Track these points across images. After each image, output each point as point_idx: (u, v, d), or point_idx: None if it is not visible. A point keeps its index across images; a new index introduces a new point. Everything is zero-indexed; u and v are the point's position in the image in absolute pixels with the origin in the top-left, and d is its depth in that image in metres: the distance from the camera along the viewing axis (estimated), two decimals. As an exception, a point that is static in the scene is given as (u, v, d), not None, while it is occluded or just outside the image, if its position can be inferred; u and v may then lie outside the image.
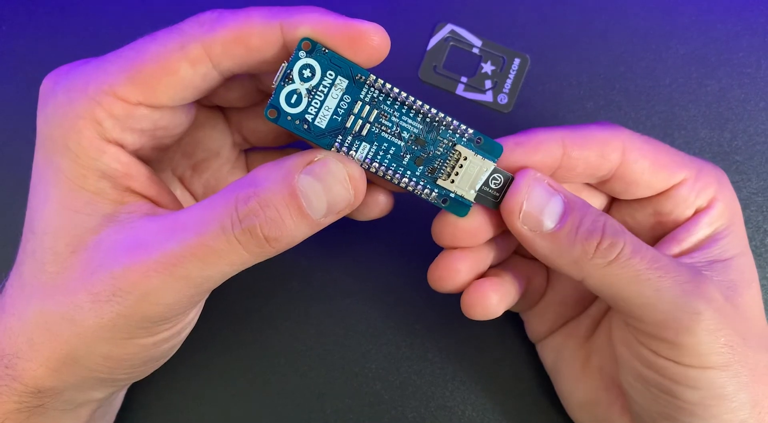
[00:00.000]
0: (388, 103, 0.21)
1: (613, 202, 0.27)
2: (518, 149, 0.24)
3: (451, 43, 0.33)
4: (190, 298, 0.22)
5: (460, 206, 0.23)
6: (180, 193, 0.28)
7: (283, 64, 0.21)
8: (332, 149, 0.21)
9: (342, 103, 0.21)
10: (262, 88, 0.25)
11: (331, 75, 0.21)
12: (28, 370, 0.22)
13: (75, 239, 0.22)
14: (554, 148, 0.24)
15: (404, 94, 0.21)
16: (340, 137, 0.21)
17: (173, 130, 0.24)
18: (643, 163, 0.25)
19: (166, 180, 0.27)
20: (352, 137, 0.21)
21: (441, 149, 0.22)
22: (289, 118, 0.21)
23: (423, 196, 0.22)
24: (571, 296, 0.28)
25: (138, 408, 0.30)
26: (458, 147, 0.22)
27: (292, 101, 0.21)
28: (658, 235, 0.26)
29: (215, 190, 0.27)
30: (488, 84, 0.33)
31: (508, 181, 0.23)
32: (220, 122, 0.27)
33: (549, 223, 0.23)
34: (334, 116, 0.21)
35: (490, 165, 0.23)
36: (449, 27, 0.34)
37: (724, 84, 0.33)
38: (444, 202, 0.23)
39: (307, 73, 0.21)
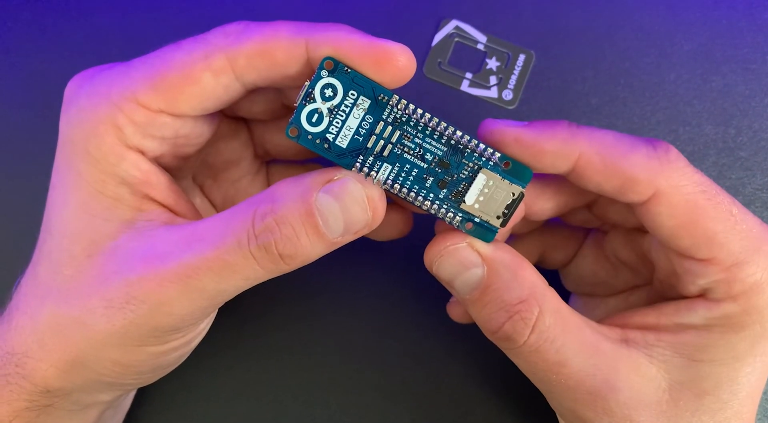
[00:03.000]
0: (411, 124, 0.21)
1: None
2: (517, 146, 0.22)
3: (456, 39, 0.33)
4: (203, 309, 0.21)
5: (485, 231, 0.22)
6: (199, 201, 0.27)
7: (305, 83, 0.21)
8: (353, 169, 0.21)
9: (364, 123, 0.21)
10: (286, 103, 0.25)
11: (353, 95, 0.21)
12: (38, 370, 0.22)
13: (92, 244, 0.22)
14: (560, 161, 0.22)
15: (428, 116, 0.21)
16: (362, 157, 0.21)
17: (195, 139, 0.23)
18: (670, 221, 0.22)
19: (187, 187, 0.27)
20: (374, 158, 0.21)
21: (466, 173, 0.21)
22: (309, 137, 0.21)
23: (446, 219, 0.22)
24: (589, 279, 0.28)
25: (146, 407, 0.30)
26: (484, 171, 0.21)
27: (313, 120, 0.21)
28: (672, 281, 0.24)
29: (234, 201, 0.27)
30: (493, 80, 0.33)
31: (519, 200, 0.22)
32: (243, 134, 0.27)
33: (462, 291, 0.23)
34: (356, 136, 0.21)
35: (518, 190, 0.22)
36: (454, 23, 0.34)
37: (729, 80, 0.33)
38: (468, 226, 0.22)
39: (328, 92, 0.20)
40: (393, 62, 0.20)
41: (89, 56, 0.33)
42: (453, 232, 0.23)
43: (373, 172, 0.21)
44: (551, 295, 0.23)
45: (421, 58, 0.33)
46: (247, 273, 0.21)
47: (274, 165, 0.29)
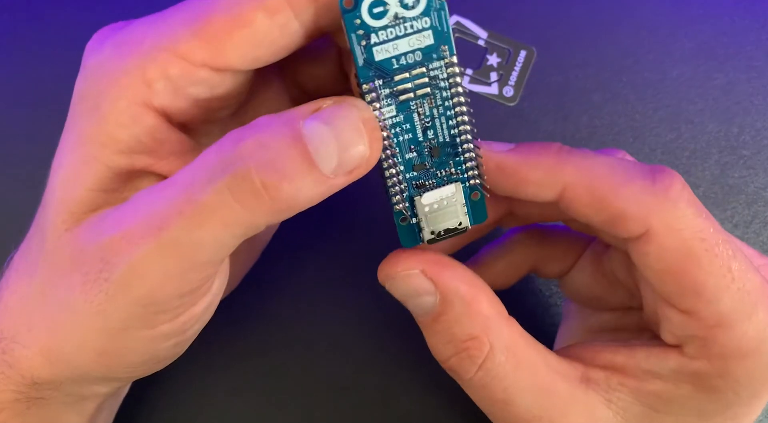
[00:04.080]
0: (444, 94, 0.19)
1: None
2: (498, 174, 0.21)
3: (457, 35, 0.33)
4: (183, 274, 0.18)
5: (410, 237, 0.21)
6: None
7: None
8: (365, 86, 0.19)
9: (410, 55, 0.19)
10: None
11: (425, 23, 0.18)
12: (25, 359, 0.20)
13: (71, 216, 0.19)
14: (544, 192, 0.21)
15: (462, 99, 0.19)
16: (381, 81, 0.19)
17: (231, 100, 0.20)
18: (658, 264, 0.20)
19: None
20: (390, 93, 0.19)
21: (442, 174, 0.20)
22: (357, 21, 0.18)
23: (393, 199, 0.20)
24: (584, 293, 0.27)
25: (141, 407, 0.29)
26: (457, 186, 0.20)
27: (375, 12, 0.18)
28: (654, 320, 0.23)
29: None
30: (494, 76, 0.33)
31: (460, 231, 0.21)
32: (274, 80, 0.23)
33: (415, 313, 0.22)
34: (393, 59, 0.19)
35: (466, 223, 0.21)
36: (454, 18, 0.33)
37: (731, 77, 0.33)
38: (402, 220, 0.21)
39: (409, 0, 0.18)
40: None
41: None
42: (405, 254, 0.21)
43: (376, 104, 0.19)
44: (507, 331, 0.21)
45: (421, 54, 0.33)
46: (223, 214, 0.17)
47: None
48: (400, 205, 0.20)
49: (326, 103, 0.18)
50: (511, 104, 0.33)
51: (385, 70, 0.19)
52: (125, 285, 0.18)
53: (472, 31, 0.33)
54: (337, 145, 0.17)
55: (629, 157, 0.24)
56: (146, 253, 0.18)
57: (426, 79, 0.19)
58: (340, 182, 0.18)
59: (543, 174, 0.21)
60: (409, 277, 0.21)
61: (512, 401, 0.21)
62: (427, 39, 0.18)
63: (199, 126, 0.21)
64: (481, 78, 0.33)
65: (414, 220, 0.21)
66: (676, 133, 0.32)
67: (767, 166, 0.32)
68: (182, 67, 0.18)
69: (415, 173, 0.20)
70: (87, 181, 0.19)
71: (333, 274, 0.31)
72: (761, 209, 0.32)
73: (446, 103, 0.19)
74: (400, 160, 0.20)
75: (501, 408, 0.22)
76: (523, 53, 0.33)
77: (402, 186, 0.20)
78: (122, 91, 0.18)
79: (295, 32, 0.18)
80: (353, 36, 0.18)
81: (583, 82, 0.33)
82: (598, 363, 0.22)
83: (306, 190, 0.17)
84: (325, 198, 0.18)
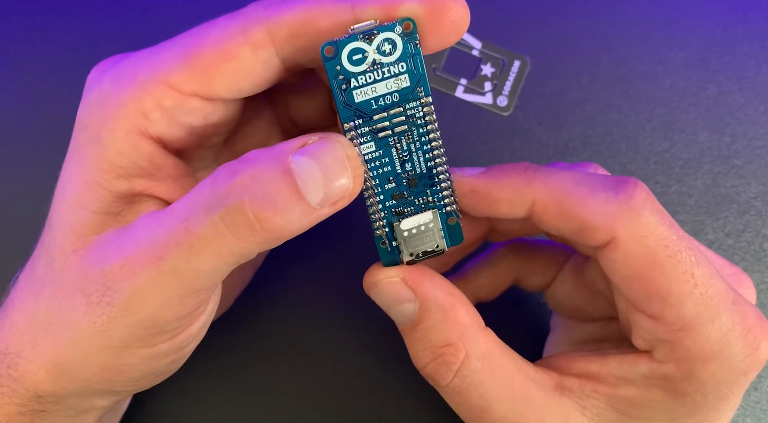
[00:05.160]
0: (420, 130, 0.20)
1: None
2: (472, 197, 0.22)
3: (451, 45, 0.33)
4: (181, 299, 0.20)
5: (390, 258, 0.22)
6: None
7: (374, 22, 0.19)
8: (345, 125, 0.20)
9: (388, 96, 0.20)
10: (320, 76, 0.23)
11: (402, 67, 0.20)
12: (29, 373, 0.21)
13: (79, 238, 0.20)
14: (515, 209, 0.22)
15: (438, 134, 0.21)
16: (360, 121, 0.20)
17: (222, 128, 0.22)
18: (623, 271, 0.21)
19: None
20: (369, 131, 0.20)
21: (420, 202, 0.21)
22: (338, 67, 0.19)
23: (374, 225, 0.21)
24: (566, 304, 0.28)
25: (140, 409, 0.30)
26: (434, 212, 0.21)
27: (353, 59, 0.19)
28: (627, 327, 0.23)
29: None
30: (488, 86, 0.33)
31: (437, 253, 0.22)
32: (266, 112, 0.25)
33: (397, 320, 0.22)
34: (372, 101, 0.20)
35: (443, 246, 0.22)
36: (449, 28, 0.33)
37: (724, 88, 0.33)
38: (383, 243, 0.22)
39: (387, 47, 0.19)
40: (447, 14, 0.19)
41: (87, 58, 0.33)
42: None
43: (356, 141, 0.20)
44: (483, 339, 0.22)
45: (415, 64, 0.33)
46: (219, 245, 0.18)
47: None
48: (380, 231, 0.21)
49: (312, 138, 0.19)
50: (505, 114, 0.33)
51: (364, 111, 0.20)
52: (126, 309, 0.19)
53: (466, 42, 0.33)
54: (323, 178, 0.19)
55: (602, 170, 0.25)
56: (147, 280, 0.19)
57: (403, 118, 0.20)
58: (326, 213, 0.19)
59: (512, 193, 0.22)
60: (391, 285, 0.22)
61: (488, 408, 0.22)
62: (404, 82, 0.20)
63: (194, 151, 0.22)
64: (475, 88, 0.33)
65: (394, 244, 0.22)
66: (669, 142, 0.32)
67: (759, 175, 0.32)
68: (175, 98, 0.20)
69: (394, 202, 0.21)
70: (92, 204, 0.20)
71: (327, 282, 0.31)
72: (753, 218, 0.32)
73: (423, 139, 0.21)
74: (379, 190, 0.21)
75: (478, 415, 0.22)
76: (517, 63, 0.33)
77: (382, 214, 0.21)
78: (120, 121, 0.20)
79: (276, 66, 0.20)
80: (334, 81, 0.19)
81: (576, 92, 0.33)
82: (573, 371, 0.23)
83: (295, 221, 0.18)
84: (311, 227, 0.19)
